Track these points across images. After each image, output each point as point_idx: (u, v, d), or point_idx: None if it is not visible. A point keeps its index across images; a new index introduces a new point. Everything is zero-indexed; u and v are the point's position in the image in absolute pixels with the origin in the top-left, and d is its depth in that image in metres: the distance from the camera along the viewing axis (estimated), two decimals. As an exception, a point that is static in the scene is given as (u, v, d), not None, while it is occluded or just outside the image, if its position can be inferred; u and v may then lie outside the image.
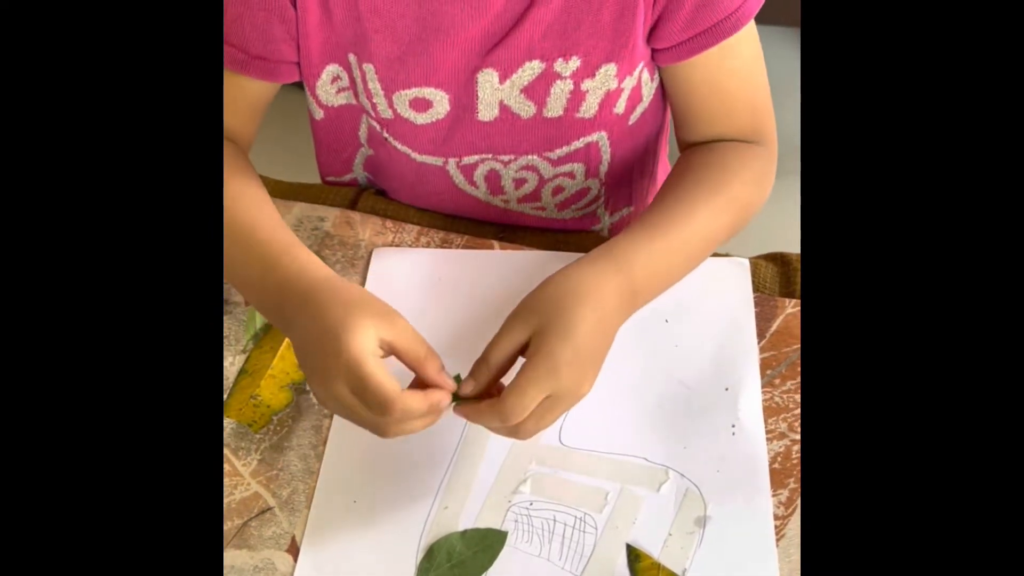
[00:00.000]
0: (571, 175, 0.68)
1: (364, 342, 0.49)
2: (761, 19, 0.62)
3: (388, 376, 0.48)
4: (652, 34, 0.61)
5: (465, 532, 0.54)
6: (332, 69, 0.64)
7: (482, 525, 0.54)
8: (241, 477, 0.57)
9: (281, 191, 0.72)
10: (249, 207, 0.59)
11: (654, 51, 0.63)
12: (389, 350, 0.51)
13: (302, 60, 0.63)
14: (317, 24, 0.61)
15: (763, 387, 0.59)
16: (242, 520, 0.56)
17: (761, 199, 0.64)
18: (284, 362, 0.62)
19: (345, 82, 0.65)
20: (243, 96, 0.65)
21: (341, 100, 0.66)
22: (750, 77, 0.64)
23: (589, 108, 0.63)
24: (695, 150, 0.65)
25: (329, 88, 0.65)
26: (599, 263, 0.55)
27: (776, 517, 0.54)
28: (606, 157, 0.68)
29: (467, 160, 0.67)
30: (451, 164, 0.67)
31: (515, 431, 0.51)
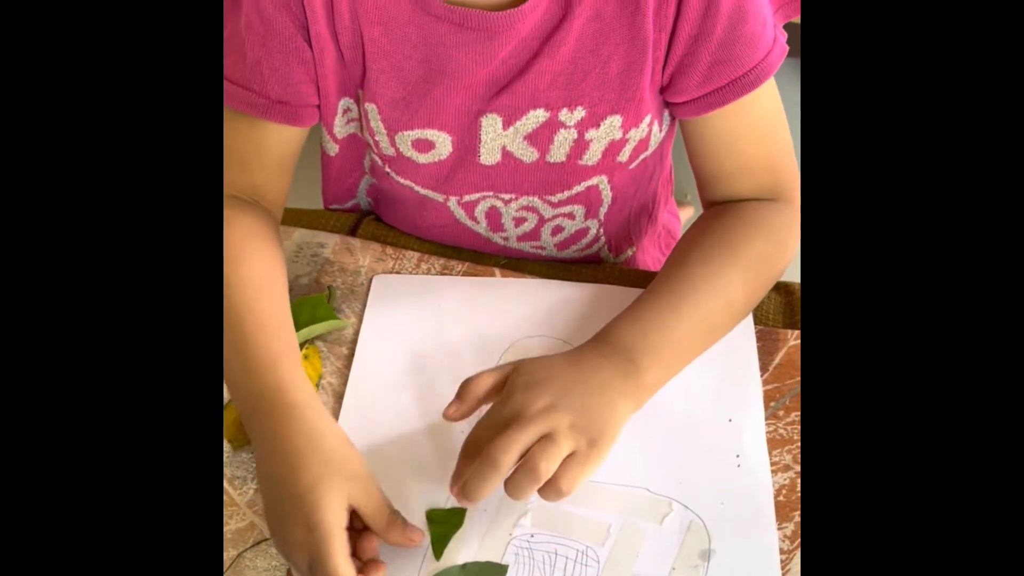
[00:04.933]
0: (571, 216, 0.68)
1: (334, 517, 0.49)
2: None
3: (347, 560, 0.48)
4: (668, 87, 0.60)
5: (465, 565, 0.53)
6: (344, 103, 0.63)
7: (482, 558, 0.53)
8: (237, 507, 0.56)
9: (282, 217, 0.71)
10: (250, 300, 0.57)
11: (671, 104, 0.62)
12: (355, 510, 0.51)
13: (322, 100, 0.62)
14: (334, 66, 0.61)
15: (767, 419, 0.58)
16: (237, 551, 0.55)
17: (784, 257, 0.62)
18: None
19: (354, 114, 0.65)
20: (268, 148, 0.63)
21: (350, 130, 0.66)
22: (769, 133, 0.63)
23: (592, 156, 0.63)
24: (713, 211, 0.64)
25: (341, 120, 0.65)
26: (593, 344, 0.57)
27: (781, 551, 0.53)
28: (606, 200, 0.68)
29: (468, 197, 0.66)
30: (452, 201, 0.67)
31: (508, 488, 0.50)
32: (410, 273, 0.67)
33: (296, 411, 0.53)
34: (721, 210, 0.63)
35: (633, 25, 0.57)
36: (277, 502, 0.51)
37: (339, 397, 0.60)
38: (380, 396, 0.60)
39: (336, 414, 0.60)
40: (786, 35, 0.61)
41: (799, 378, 0.60)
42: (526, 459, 0.49)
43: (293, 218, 0.72)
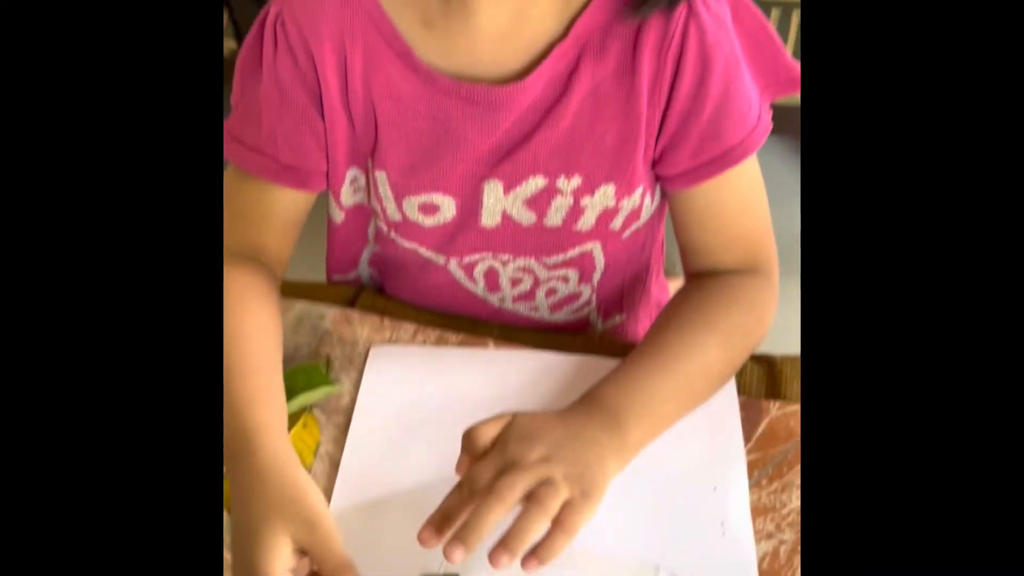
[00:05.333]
0: (564, 279, 0.71)
1: (273, 558, 0.49)
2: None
3: None
4: (660, 161, 0.64)
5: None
6: (352, 172, 0.67)
7: (473, 624, 0.55)
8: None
9: (282, 290, 0.74)
10: (238, 346, 0.59)
11: (661, 177, 0.66)
12: (305, 554, 0.51)
13: (330, 168, 0.66)
14: (345, 135, 0.64)
15: (750, 488, 0.60)
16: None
17: (762, 328, 0.65)
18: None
19: (361, 183, 0.68)
20: (275, 210, 0.67)
21: (356, 199, 0.70)
22: (750, 209, 0.66)
23: (587, 222, 0.66)
24: (694, 283, 0.67)
25: (348, 189, 0.68)
26: (581, 404, 0.59)
27: (764, 618, 0.54)
28: (599, 266, 0.71)
29: (468, 259, 0.70)
30: (453, 263, 0.70)
31: (503, 545, 0.50)
32: (407, 343, 0.70)
33: (255, 451, 0.54)
34: (701, 282, 0.66)
35: (628, 102, 0.61)
36: (232, 543, 0.52)
37: (336, 464, 0.62)
38: (376, 464, 0.62)
39: (332, 481, 0.61)
40: (770, 113, 0.65)
41: (782, 447, 0.62)
42: (533, 497, 0.51)
43: (294, 291, 0.74)
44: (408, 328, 0.71)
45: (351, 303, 0.74)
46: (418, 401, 0.65)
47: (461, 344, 0.70)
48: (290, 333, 0.70)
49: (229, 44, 1.55)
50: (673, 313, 0.64)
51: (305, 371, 0.66)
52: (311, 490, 0.52)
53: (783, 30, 1.13)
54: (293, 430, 0.63)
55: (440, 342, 0.70)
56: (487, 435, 0.55)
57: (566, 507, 0.51)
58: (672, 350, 0.61)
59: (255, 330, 0.62)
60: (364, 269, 0.78)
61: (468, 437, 0.55)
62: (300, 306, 0.72)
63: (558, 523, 0.51)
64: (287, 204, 0.67)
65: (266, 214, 0.67)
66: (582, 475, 0.53)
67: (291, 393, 0.63)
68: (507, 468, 0.52)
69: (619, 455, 0.56)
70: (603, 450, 0.55)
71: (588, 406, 0.58)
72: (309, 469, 0.62)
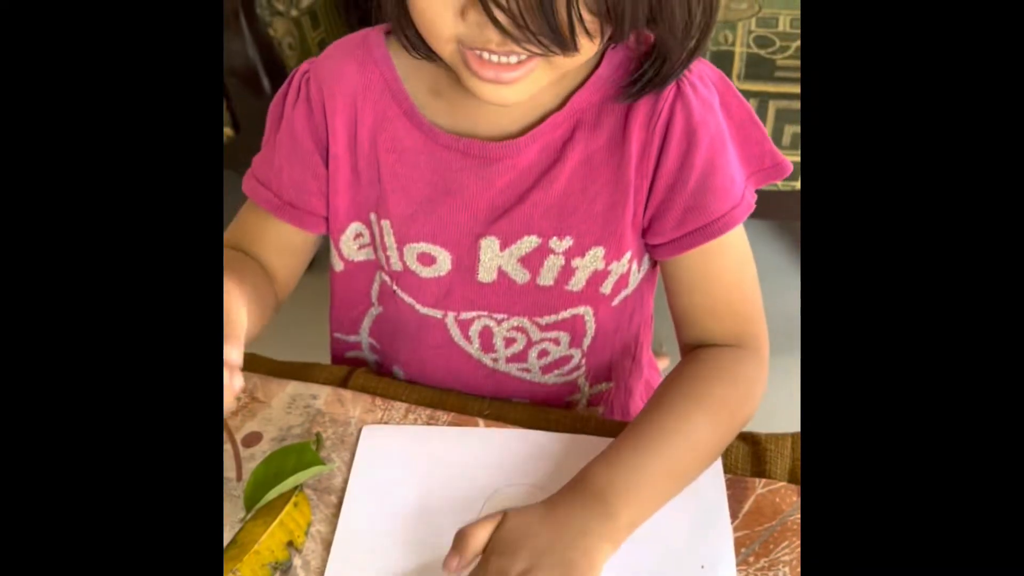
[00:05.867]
0: (556, 341, 0.74)
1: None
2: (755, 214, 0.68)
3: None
4: (648, 230, 0.68)
5: None
6: (356, 227, 0.72)
7: None
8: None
9: (276, 370, 0.75)
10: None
11: (650, 246, 0.69)
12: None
13: (330, 215, 0.72)
14: (347, 184, 0.70)
15: (738, 565, 0.60)
16: None
17: (751, 405, 0.66)
18: (272, 540, 0.63)
19: (366, 239, 0.73)
20: (278, 237, 0.74)
21: (361, 256, 0.74)
22: (737, 281, 0.69)
23: (577, 283, 0.70)
24: (687, 359, 0.69)
25: (352, 244, 0.73)
26: (570, 490, 0.60)
27: None
28: (590, 331, 0.74)
29: (464, 315, 0.73)
30: (450, 318, 0.73)
31: None
32: (398, 423, 0.71)
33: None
34: (693, 357, 0.68)
35: (618, 170, 0.65)
36: None
37: (327, 545, 0.62)
38: (368, 544, 0.62)
39: (324, 562, 0.61)
40: (755, 196, 0.68)
41: (768, 525, 0.62)
42: None
43: (287, 371, 0.76)
44: (399, 408, 0.72)
45: (343, 383, 0.75)
46: (410, 481, 0.66)
47: (452, 423, 0.71)
48: (283, 413, 0.71)
49: (228, 132, 1.60)
50: (664, 391, 0.66)
51: (296, 451, 0.67)
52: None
53: (760, 119, 1.18)
54: (284, 510, 0.63)
55: (431, 421, 0.71)
56: (479, 539, 0.56)
57: None
58: (660, 429, 0.62)
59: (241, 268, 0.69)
60: (364, 337, 0.80)
61: (460, 538, 0.57)
62: (293, 386, 0.74)
63: None
64: (289, 235, 0.73)
65: (271, 240, 0.74)
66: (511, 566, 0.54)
67: (282, 474, 0.63)
68: None
69: (611, 538, 0.57)
70: (592, 539, 0.56)
71: (577, 491, 0.59)
72: (300, 548, 0.62)
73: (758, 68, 1.29)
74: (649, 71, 0.63)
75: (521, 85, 0.58)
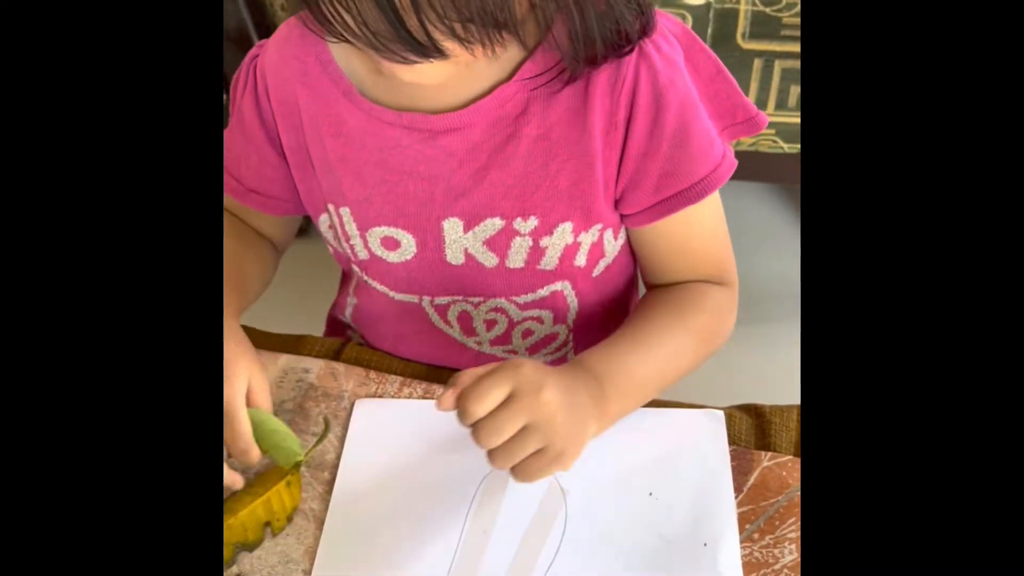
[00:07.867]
0: (539, 320, 0.72)
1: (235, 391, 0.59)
2: (739, 175, 0.66)
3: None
4: (621, 200, 0.65)
5: None
6: (324, 218, 0.70)
7: None
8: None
9: (267, 343, 0.73)
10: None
11: (624, 216, 0.66)
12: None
13: (303, 200, 0.71)
14: (304, 175, 0.69)
15: (742, 542, 0.59)
16: None
17: (724, 330, 0.68)
18: (251, 516, 0.60)
19: (338, 231, 0.70)
20: (258, 214, 0.74)
21: (334, 245, 0.73)
22: (713, 237, 0.68)
23: (550, 261, 0.67)
24: (660, 289, 0.69)
25: (328, 234, 0.72)
26: (574, 368, 0.60)
27: None
28: (573, 306, 0.71)
29: (440, 300, 0.71)
30: (426, 302, 0.71)
31: (490, 456, 0.53)
32: (392, 397, 0.69)
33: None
34: (668, 288, 0.69)
35: (580, 143, 0.61)
36: None
37: (320, 523, 0.61)
38: (361, 521, 0.61)
39: (316, 540, 0.60)
40: (732, 151, 0.65)
41: (774, 500, 0.61)
42: (518, 436, 0.53)
43: (279, 344, 0.73)
44: (394, 381, 0.70)
45: (336, 356, 0.73)
46: (404, 457, 0.64)
47: (448, 397, 0.69)
48: (275, 387, 0.69)
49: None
50: (651, 307, 0.67)
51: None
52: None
53: (766, 79, 1.14)
54: (275, 488, 0.62)
55: (426, 395, 0.69)
56: (476, 375, 0.55)
57: (538, 455, 0.53)
58: (652, 338, 0.64)
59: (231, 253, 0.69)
60: (351, 323, 0.78)
61: (456, 376, 0.55)
62: (285, 359, 0.72)
63: (519, 468, 0.54)
64: (263, 216, 0.74)
65: (251, 212, 0.74)
66: (567, 435, 0.54)
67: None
68: (515, 393, 0.53)
69: (599, 420, 0.58)
70: (588, 416, 0.57)
71: (579, 371, 0.59)
72: (280, 531, 0.61)
73: (764, 27, 1.26)
74: (580, 48, 0.56)
75: (438, 65, 0.52)
